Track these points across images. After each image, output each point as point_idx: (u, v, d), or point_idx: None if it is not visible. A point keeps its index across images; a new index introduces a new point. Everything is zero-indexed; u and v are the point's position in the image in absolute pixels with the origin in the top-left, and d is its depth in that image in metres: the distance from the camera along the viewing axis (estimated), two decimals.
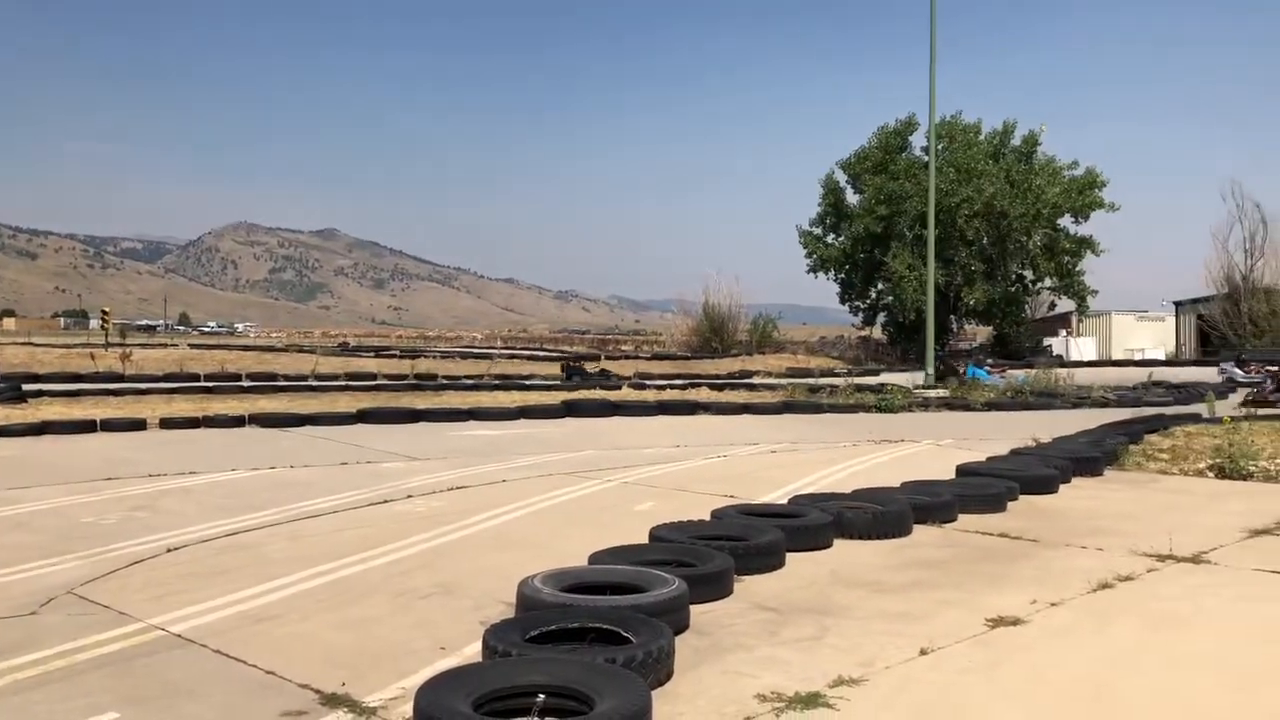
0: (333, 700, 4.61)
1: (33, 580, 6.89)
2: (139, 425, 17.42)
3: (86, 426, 16.92)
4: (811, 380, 32.10)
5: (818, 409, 22.77)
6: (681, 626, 5.53)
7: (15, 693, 4.75)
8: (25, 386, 22.90)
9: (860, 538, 8.15)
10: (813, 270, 51.63)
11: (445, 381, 30.09)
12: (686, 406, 22.31)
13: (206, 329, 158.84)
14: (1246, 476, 11.76)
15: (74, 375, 28.21)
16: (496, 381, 30.57)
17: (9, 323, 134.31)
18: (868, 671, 4.94)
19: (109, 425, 17.16)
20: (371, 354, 47.57)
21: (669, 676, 4.80)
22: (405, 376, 31.27)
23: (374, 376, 31.33)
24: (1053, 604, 6.20)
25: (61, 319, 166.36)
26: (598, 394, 25.73)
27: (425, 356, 44.55)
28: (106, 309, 55.97)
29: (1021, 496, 10.12)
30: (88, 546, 7.91)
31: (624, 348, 66.54)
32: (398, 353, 48.10)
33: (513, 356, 48.84)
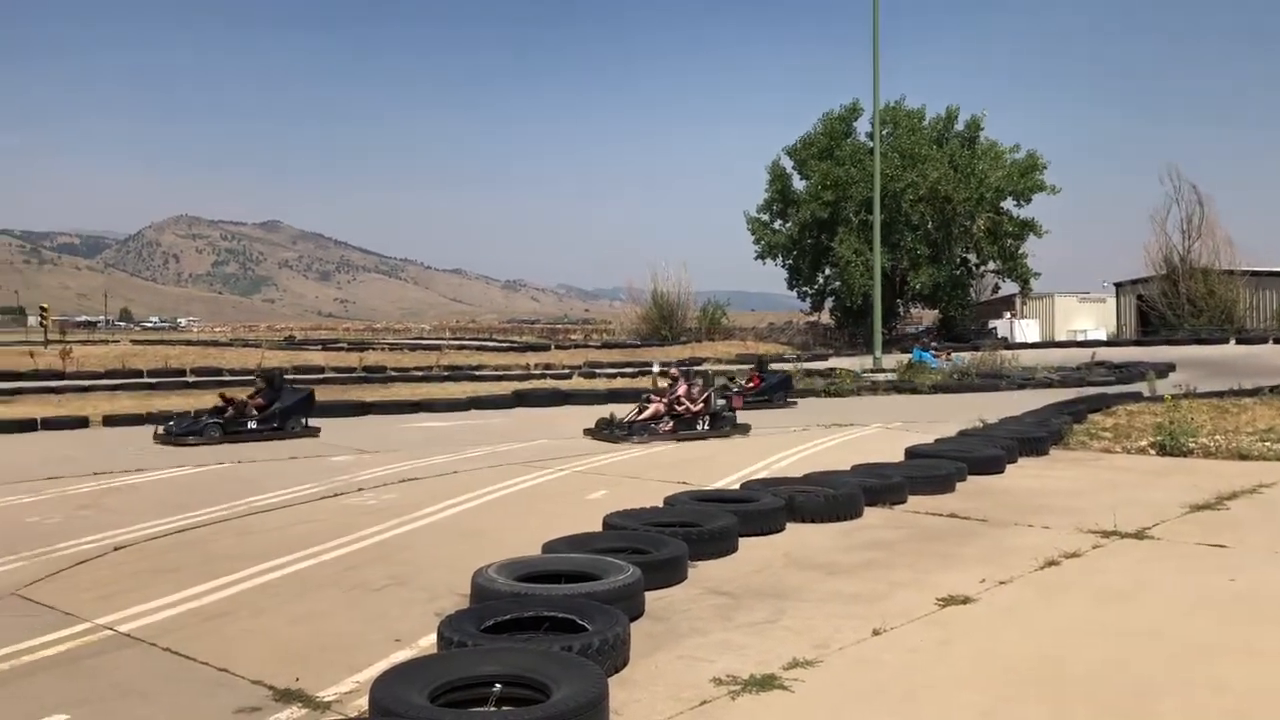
0: (286, 696, 4.56)
1: None
2: (81, 423, 17.11)
3: (27, 425, 16.57)
4: None
5: None
6: (637, 613, 5.54)
7: None
8: None
9: (812, 521, 8.21)
10: (761, 256, 51.96)
11: (394, 373, 29.92)
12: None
13: (149, 324, 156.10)
14: (1187, 453, 12.02)
15: (12, 374, 27.63)
16: (446, 372, 30.45)
17: None
18: (822, 653, 4.99)
19: (50, 424, 16.85)
20: (318, 347, 47.08)
21: (625, 663, 4.81)
22: (353, 369, 31.03)
23: (321, 370, 31.04)
24: (1001, 582, 6.30)
25: None
26: (548, 384, 25.69)
27: (373, 349, 44.24)
28: (45, 305, 54.76)
29: (970, 477, 10.25)
30: (32, 547, 7.74)
31: (573, 336, 66.47)
32: (345, 345, 47.70)
33: (462, 347, 48.58)
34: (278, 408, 15.76)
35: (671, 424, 15.11)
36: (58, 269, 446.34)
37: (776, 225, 51.92)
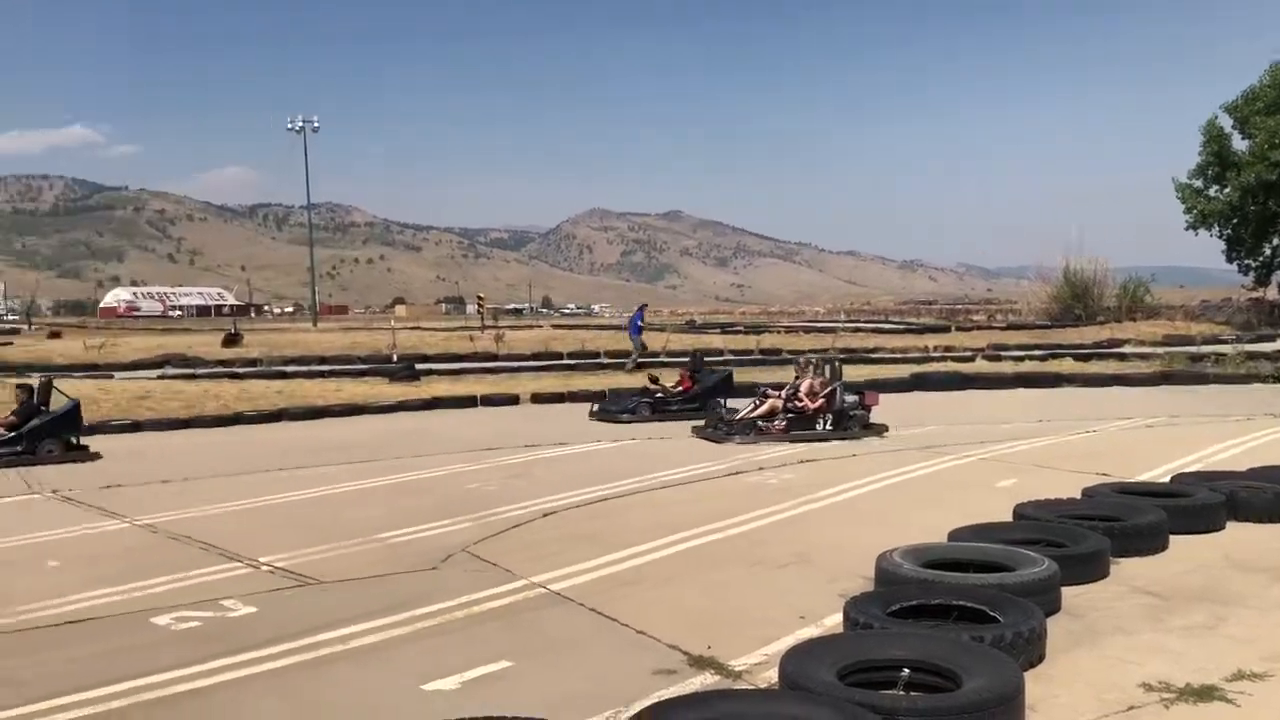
0: (699, 662, 4.78)
1: (432, 539, 7.68)
2: (513, 400, 18.93)
3: (469, 402, 18.63)
4: (1193, 348, 29.33)
5: (1201, 380, 20.81)
6: (1052, 608, 5.25)
7: (422, 639, 5.31)
8: (418, 366, 25.53)
9: (1258, 520, 7.37)
10: (1192, 227, 46.84)
11: (789, 356, 30.25)
12: (1048, 378, 21.13)
13: (566, 311, 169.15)
14: None
15: (456, 356, 30.95)
16: (841, 355, 30.34)
17: (400, 310, 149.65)
18: (1273, 666, 4.45)
19: (488, 400, 18.81)
20: (718, 330, 48.64)
21: (1040, 659, 4.57)
22: (750, 351, 31.76)
23: (720, 352, 32.06)
24: None
25: (442, 305, 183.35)
26: (949, 366, 24.92)
27: (769, 331, 44.99)
28: (481, 295, 60.69)
29: None
30: (475, 509, 8.69)
31: (975, 317, 63.78)
32: (742, 329, 48.89)
33: (856, 329, 48.21)
34: (33, 424, 12.48)
35: (785, 423, 13.34)
36: (490, 262, 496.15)
37: (1212, 191, 46.68)
